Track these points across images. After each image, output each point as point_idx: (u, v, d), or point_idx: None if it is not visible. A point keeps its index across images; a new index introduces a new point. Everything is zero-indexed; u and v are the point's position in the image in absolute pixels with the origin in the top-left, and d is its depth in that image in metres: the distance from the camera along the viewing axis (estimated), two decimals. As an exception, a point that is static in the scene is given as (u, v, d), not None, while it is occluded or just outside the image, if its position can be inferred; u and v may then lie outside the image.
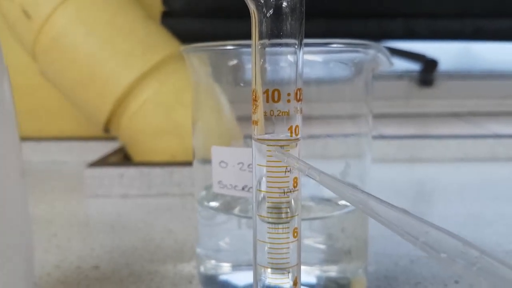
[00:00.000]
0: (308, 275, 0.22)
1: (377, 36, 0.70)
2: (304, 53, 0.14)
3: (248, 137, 0.23)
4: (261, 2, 0.13)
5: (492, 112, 0.80)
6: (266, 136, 0.14)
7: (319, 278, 0.22)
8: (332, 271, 0.23)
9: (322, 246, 0.23)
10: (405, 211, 0.11)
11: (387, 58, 0.23)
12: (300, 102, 0.14)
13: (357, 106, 0.24)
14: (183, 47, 0.23)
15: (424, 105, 0.81)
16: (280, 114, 0.14)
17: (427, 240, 0.09)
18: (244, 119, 0.23)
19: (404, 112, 0.80)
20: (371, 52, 0.22)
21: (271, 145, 0.14)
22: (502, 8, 0.70)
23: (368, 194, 0.11)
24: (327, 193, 0.25)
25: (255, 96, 0.14)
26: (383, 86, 0.78)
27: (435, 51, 0.78)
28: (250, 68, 0.22)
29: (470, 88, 0.82)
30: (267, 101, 0.14)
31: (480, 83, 0.82)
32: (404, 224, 0.10)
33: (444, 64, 0.80)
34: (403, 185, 0.50)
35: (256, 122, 0.14)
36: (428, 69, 0.79)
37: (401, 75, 0.81)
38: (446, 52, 0.81)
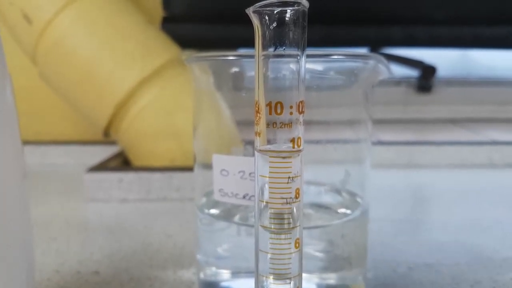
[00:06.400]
0: (308, 282, 0.22)
1: (376, 42, 0.70)
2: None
3: (248, 143, 0.23)
4: (265, 18, 0.13)
5: (489, 118, 0.81)
6: (269, 147, 0.15)
7: (319, 285, 0.23)
8: (332, 278, 0.23)
9: (321, 254, 0.23)
10: None
11: (387, 68, 0.23)
12: (302, 114, 0.14)
13: (356, 112, 0.24)
14: (185, 57, 0.24)
15: (422, 111, 0.81)
16: (283, 126, 0.14)
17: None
18: (244, 124, 0.24)
19: (402, 118, 0.80)
20: (371, 62, 0.22)
21: (273, 156, 0.14)
22: (500, 15, 0.70)
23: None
24: (326, 201, 0.25)
25: (258, 108, 0.14)
26: (381, 92, 0.78)
27: (433, 58, 0.79)
28: (251, 75, 0.22)
29: (468, 94, 0.82)
30: (270, 113, 0.14)
31: (478, 90, 0.83)
32: None
33: (442, 71, 0.80)
34: (401, 191, 0.51)
35: (258, 134, 0.15)
36: (426, 75, 0.79)
37: (399, 81, 0.81)
38: (444, 59, 0.81)
